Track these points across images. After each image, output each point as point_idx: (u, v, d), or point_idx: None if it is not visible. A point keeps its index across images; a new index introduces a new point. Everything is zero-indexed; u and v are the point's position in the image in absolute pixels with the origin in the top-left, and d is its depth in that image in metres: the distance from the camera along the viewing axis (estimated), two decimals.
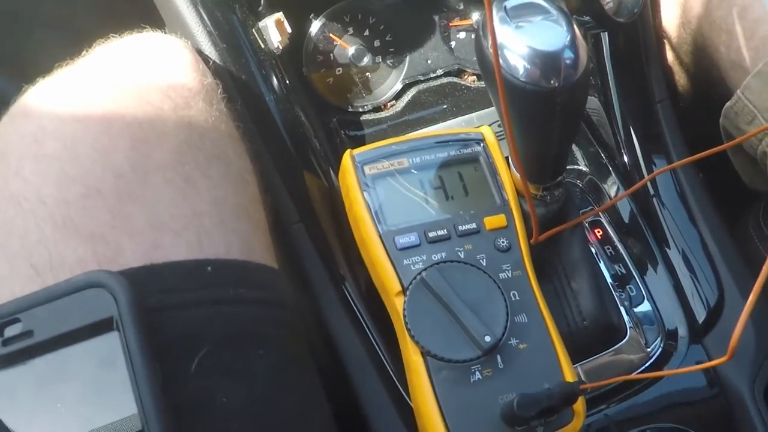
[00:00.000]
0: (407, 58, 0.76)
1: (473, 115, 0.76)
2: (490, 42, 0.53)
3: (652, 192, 0.73)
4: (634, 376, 0.65)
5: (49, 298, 0.40)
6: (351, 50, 0.74)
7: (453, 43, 0.77)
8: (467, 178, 0.62)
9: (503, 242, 0.59)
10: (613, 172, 0.74)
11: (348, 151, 0.60)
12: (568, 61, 0.53)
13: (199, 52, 0.63)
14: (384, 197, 0.59)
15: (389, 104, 0.76)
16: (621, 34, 0.77)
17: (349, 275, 0.64)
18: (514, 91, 0.53)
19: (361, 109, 0.75)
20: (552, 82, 0.52)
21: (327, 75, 0.74)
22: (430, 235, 0.58)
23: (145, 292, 0.42)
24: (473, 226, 0.59)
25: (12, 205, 0.45)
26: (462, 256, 0.58)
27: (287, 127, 0.66)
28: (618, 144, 0.75)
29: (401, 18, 0.74)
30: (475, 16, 0.77)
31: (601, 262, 0.70)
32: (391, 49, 0.76)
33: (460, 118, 0.76)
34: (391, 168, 0.61)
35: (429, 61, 0.76)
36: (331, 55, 0.74)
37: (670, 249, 0.71)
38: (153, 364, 0.39)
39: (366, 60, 0.74)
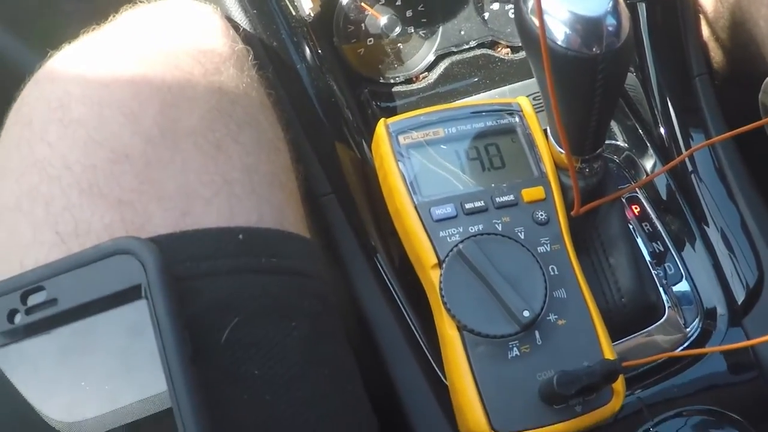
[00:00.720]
0: (440, 29, 0.74)
1: (507, 87, 0.74)
2: (532, 6, 0.52)
3: (690, 168, 0.71)
4: (677, 353, 0.63)
5: (75, 266, 0.39)
6: (383, 20, 0.71)
7: (486, 14, 0.75)
8: (504, 150, 0.60)
9: (542, 215, 0.57)
10: (650, 147, 0.72)
11: (382, 120, 0.59)
12: (610, 28, 0.51)
13: (229, 19, 0.62)
14: (419, 167, 0.58)
15: (421, 76, 0.74)
16: (658, 5, 0.75)
17: (381, 248, 0.62)
18: (554, 59, 0.51)
19: (392, 81, 0.73)
20: (594, 49, 0.51)
21: (358, 46, 0.72)
22: (467, 206, 0.57)
23: (175, 259, 0.41)
24: (511, 198, 0.58)
25: (37, 171, 0.44)
26: (500, 229, 0.56)
27: (319, 97, 0.65)
28: (655, 118, 0.73)
29: None
30: None
31: (639, 239, 0.68)
32: (423, 20, 0.73)
33: (493, 91, 0.74)
34: (427, 138, 0.59)
35: (462, 33, 0.74)
36: (363, 25, 0.72)
37: (708, 227, 0.69)
38: (183, 334, 0.37)
39: (398, 30, 0.72)
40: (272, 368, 0.43)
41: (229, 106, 0.50)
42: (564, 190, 0.60)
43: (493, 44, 0.76)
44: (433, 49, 0.74)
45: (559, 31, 0.51)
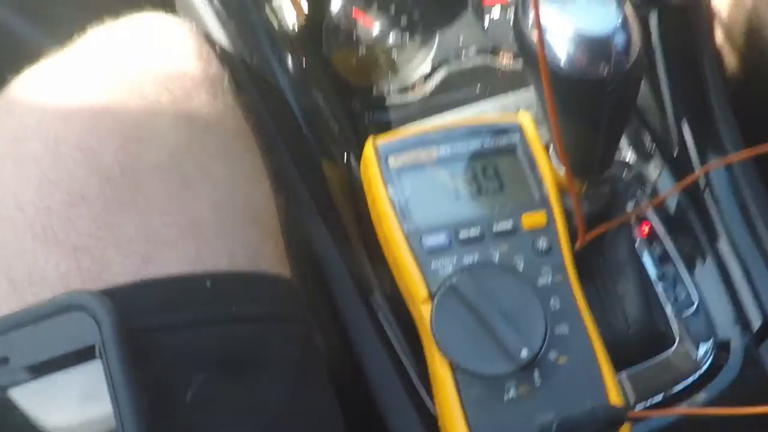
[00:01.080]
0: (437, 37, 0.70)
1: (509, 97, 0.71)
2: (532, 22, 0.48)
3: (703, 185, 0.66)
4: (699, 410, 0.58)
5: (27, 321, 0.35)
6: (376, 28, 0.68)
7: (487, 21, 0.71)
8: (503, 171, 0.56)
9: (542, 243, 0.54)
10: (661, 162, 0.68)
11: (371, 138, 0.55)
12: (619, 47, 0.47)
13: (206, 37, 0.58)
14: (410, 192, 0.54)
15: (417, 86, 0.70)
16: (671, 13, 0.70)
17: (373, 278, 0.58)
18: (557, 80, 0.48)
19: (386, 91, 0.69)
20: (601, 70, 0.47)
21: (349, 55, 0.68)
22: (461, 235, 0.53)
23: (135, 311, 0.37)
24: (509, 224, 0.54)
25: None
26: (497, 259, 0.52)
27: (304, 112, 0.61)
28: (667, 132, 0.68)
29: None
30: None
31: (648, 260, 0.64)
32: (419, 27, 0.69)
33: (494, 101, 0.70)
34: (419, 160, 0.55)
35: (460, 41, 0.70)
36: (354, 33, 0.68)
37: (722, 248, 0.65)
38: (141, 398, 0.34)
39: (392, 38, 0.68)
40: (245, 426, 0.40)
41: (199, 137, 0.46)
42: (568, 214, 0.56)
43: (493, 52, 0.72)
44: (430, 58, 0.70)
45: (561, 50, 0.47)
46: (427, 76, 0.70)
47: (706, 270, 0.64)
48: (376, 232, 0.55)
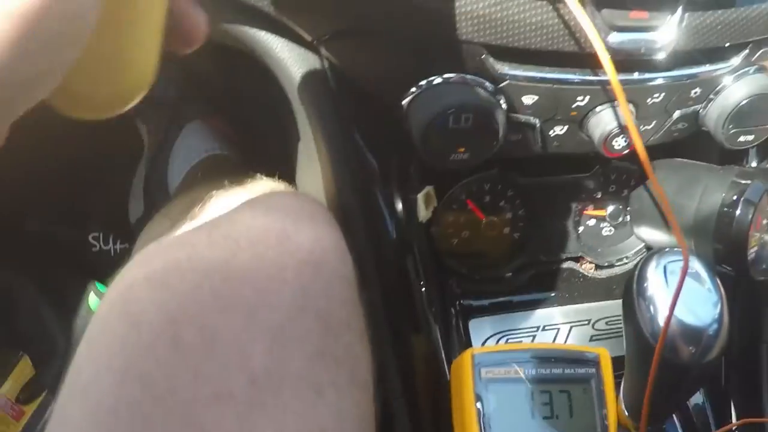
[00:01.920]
0: (535, 236, 0.76)
1: (585, 305, 0.77)
2: (646, 306, 0.54)
3: None
4: None
5: None
6: (484, 218, 0.74)
7: (581, 229, 0.78)
8: (575, 399, 0.63)
9: None
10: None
11: (470, 350, 0.61)
12: (709, 339, 0.54)
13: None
14: (494, 406, 0.60)
15: (508, 277, 0.77)
16: (747, 282, 0.75)
17: None
18: (645, 350, 0.54)
19: (478, 277, 0.76)
20: (688, 355, 0.54)
21: (453, 236, 0.75)
22: None
23: None
24: None
25: (140, 385, 0.43)
26: None
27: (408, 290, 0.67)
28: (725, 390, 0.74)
29: (539, 196, 0.75)
30: (610, 209, 0.77)
31: None
32: (521, 224, 0.76)
33: (571, 307, 0.76)
34: (507, 375, 0.61)
35: (555, 243, 0.77)
36: (462, 217, 0.74)
37: None
38: None
39: (495, 230, 0.75)
40: None
41: (331, 343, 0.49)
42: None
43: (578, 258, 0.78)
44: (525, 255, 0.76)
45: (658, 329, 0.54)
46: (518, 270, 0.77)
47: None
48: (455, 426, 0.61)
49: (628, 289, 0.57)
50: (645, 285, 0.56)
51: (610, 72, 0.53)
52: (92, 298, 1.15)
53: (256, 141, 1.09)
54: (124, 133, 1.14)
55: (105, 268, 1.11)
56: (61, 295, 1.17)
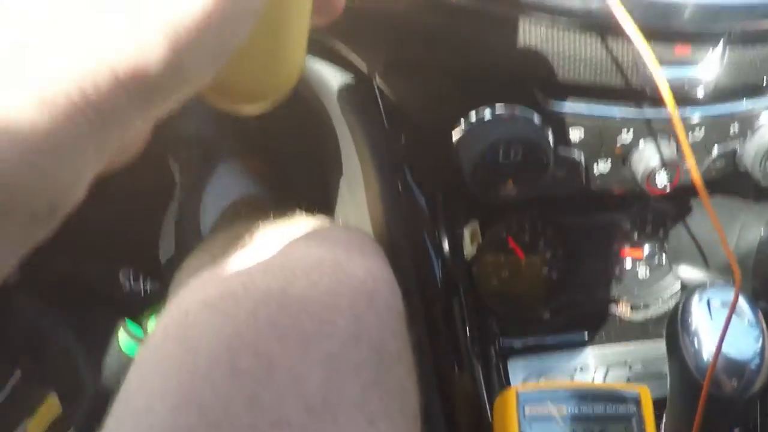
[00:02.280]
0: (573, 277, 0.77)
1: (622, 347, 0.77)
2: (690, 341, 0.55)
3: None
4: None
5: None
6: (524, 258, 0.75)
7: (618, 270, 0.78)
8: None
9: None
10: None
11: (513, 388, 0.62)
12: (751, 374, 0.54)
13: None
14: None
15: (546, 318, 0.77)
16: None
17: None
18: (690, 384, 0.54)
19: (516, 317, 0.76)
20: (730, 389, 0.54)
21: (493, 275, 0.76)
22: None
23: None
24: None
25: (195, 413, 0.43)
26: None
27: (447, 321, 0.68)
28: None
29: (577, 236, 0.76)
30: (647, 249, 0.78)
31: None
32: (559, 264, 0.77)
33: (608, 348, 0.77)
34: (550, 413, 0.61)
35: (593, 284, 0.77)
36: (503, 257, 0.75)
37: None
38: None
39: (534, 270, 0.75)
40: None
41: (384, 374, 0.49)
42: None
43: (615, 300, 0.79)
44: (563, 295, 0.77)
45: (701, 362, 0.54)
46: (556, 311, 0.77)
47: None
48: None
49: (672, 323, 0.57)
50: (689, 320, 0.56)
51: (670, 106, 0.53)
52: (122, 336, 1.15)
53: (290, 176, 1.10)
54: (156, 171, 1.15)
55: (135, 307, 1.12)
56: (91, 332, 1.17)
